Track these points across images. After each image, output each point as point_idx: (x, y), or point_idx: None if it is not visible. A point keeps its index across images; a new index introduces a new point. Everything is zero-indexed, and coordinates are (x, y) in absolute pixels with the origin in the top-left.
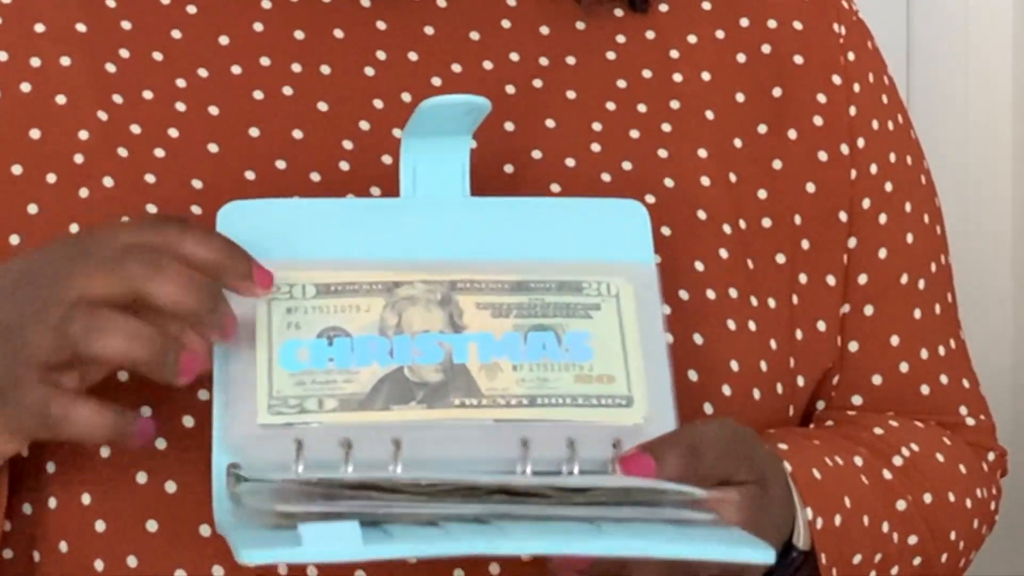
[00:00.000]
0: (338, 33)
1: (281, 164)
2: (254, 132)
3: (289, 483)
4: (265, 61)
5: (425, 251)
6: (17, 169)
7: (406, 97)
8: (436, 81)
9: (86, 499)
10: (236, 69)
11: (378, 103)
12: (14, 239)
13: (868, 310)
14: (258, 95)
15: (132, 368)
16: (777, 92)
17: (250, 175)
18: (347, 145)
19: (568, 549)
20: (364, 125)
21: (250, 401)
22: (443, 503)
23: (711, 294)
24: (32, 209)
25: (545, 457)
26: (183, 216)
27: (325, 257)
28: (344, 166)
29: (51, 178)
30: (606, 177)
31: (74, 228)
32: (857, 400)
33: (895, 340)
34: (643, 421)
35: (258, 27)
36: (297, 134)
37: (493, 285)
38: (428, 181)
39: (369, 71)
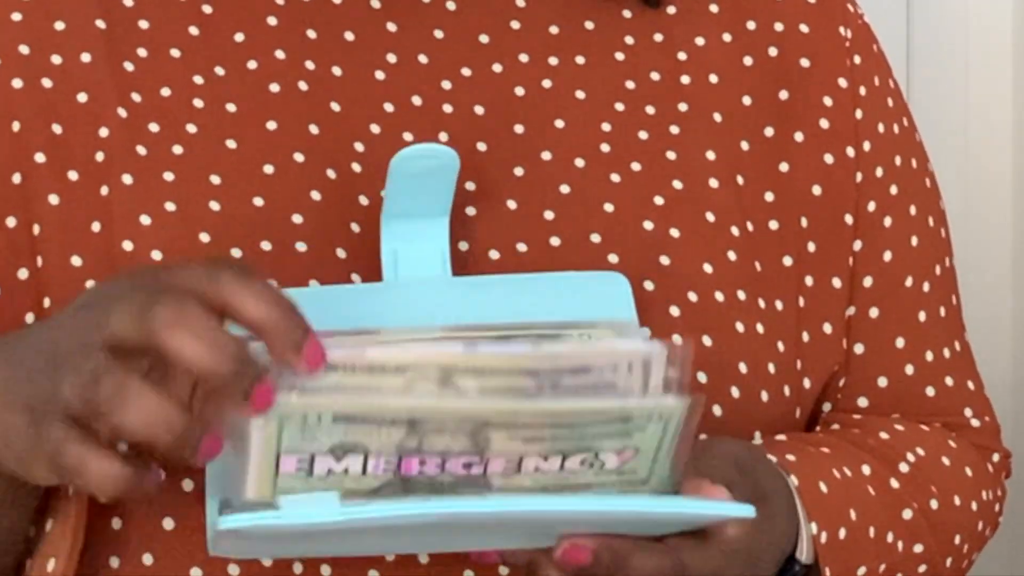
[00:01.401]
0: (349, 35)
1: (299, 157)
2: (271, 125)
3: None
4: (280, 54)
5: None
6: (40, 157)
7: (416, 100)
8: (446, 84)
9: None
10: (252, 64)
11: (388, 106)
12: (35, 229)
13: (874, 312)
14: (274, 88)
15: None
16: (784, 95)
17: (268, 169)
18: (358, 147)
19: (546, 507)
20: (375, 128)
21: (247, 464)
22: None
23: (720, 296)
24: (53, 200)
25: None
26: (243, 265)
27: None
28: (356, 167)
29: (72, 175)
30: (615, 178)
31: (96, 227)
32: (863, 402)
33: (900, 342)
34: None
35: (272, 21)
36: (313, 129)
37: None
38: (409, 265)
39: (380, 74)
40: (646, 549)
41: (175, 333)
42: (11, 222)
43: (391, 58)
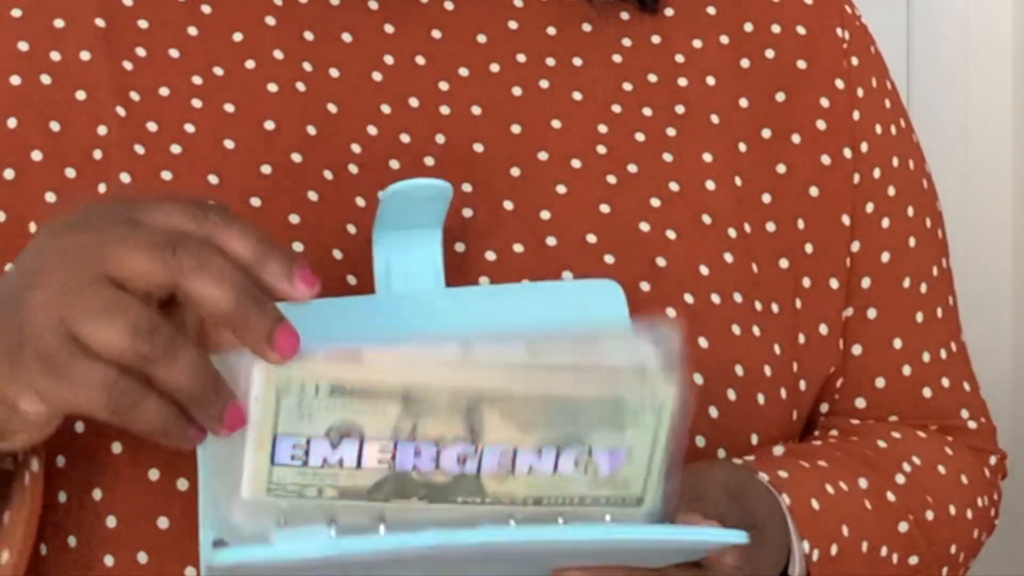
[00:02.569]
0: (346, 37)
1: (297, 158)
2: (269, 125)
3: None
4: (278, 54)
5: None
6: (37, 155)
7: (413, 102)
8: (443, 85)
9: (97, 494)
10: (250, 64)
11: (386, 108)
12: (31, 226)
13: (871, 313)
14: (272, 88)
15: (212, 319)
16: (780, 97)
17: (266, 169)
18: (355, 149)
19: (537, 536)
20: (372, 130)
21: (239, 482)
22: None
23: (716, 298)
24: (50, 197)
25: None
26: (223, 207)
27: (335, 345)
28: (353, 169)
29: (70, 172)
30: (611, 179)
31: None
32: (860, 403)
33: (898, 343)
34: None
35: (270, 21)
36: (311, 130)
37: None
38: (402, 276)
39: (377, 76)
40: None
41: (200, 277)
42: (0, 216)
43: (388, 59)
